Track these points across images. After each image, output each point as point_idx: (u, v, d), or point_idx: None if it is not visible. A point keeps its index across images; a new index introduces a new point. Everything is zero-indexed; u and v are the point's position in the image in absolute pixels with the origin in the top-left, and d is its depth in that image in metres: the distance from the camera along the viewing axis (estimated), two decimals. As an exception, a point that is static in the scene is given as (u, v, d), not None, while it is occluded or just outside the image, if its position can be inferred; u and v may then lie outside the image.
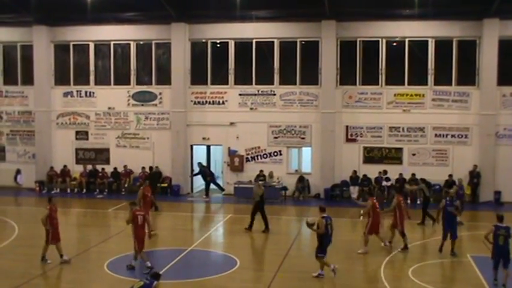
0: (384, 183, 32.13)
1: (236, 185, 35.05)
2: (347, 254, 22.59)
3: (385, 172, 33.33)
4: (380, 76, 35.04)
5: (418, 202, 31.85)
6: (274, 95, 35.99)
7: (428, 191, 29.27)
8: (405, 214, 23.48)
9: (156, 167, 36.64)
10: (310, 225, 19.94)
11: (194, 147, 37.61)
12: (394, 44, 35.17)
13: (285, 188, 35.18)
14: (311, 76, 35.62)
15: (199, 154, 38.50)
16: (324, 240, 19.42)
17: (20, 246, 23.00)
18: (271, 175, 35.19)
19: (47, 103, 38.22)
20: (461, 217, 27.28)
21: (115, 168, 37.20)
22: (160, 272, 15.50)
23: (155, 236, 24.46)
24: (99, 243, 24.06)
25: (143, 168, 36.80)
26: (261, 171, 35.25)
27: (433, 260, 21.22)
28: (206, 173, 36.28)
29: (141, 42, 37.52)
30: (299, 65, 35.77)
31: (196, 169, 36.68)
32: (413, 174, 33.24)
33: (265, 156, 36.29)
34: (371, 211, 22.93)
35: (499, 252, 18.21)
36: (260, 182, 27.96)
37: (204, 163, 38.10)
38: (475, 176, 33.70)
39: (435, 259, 21.38)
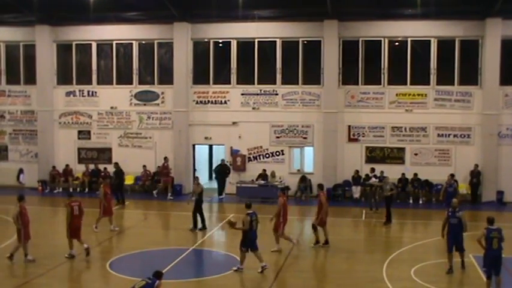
0: (373, 180, 32.00)
1: (238, 185, 35.05)
2: (349, 254, 22.62)
3: (373, 170, 33.19)
4: (382, 76, 35.05)
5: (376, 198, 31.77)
6: (277, 94, 36.00)
7: (394, 188, 29.08)
8: (287, 215, 23.35)
9: (116, 163, 36.44)
10: (232, 224, 20.45)
11: (196, 146, 37.66)
12: (397, 43, 35.18)
13: (287, 188, 35.14)
14: (313, 76, 35.64)
15: (202, 154, 38.50)
16: (248, 235, 19.73)
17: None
18: (273, 175, 35.18)
19: (49, 102, 38.27)
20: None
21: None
22: (163, 271, 15.50)
23: (114, 232, 25.92)
24: (101, 243, 24.07)
25: (144, 166, 36.81)
26: (264, 170, 35.31)
27: (435, 260, 21.18)
28: (226, 168, 36.29)
29: (144, 42, 37.56)
30: (301, 65, 35.79)
31: (201, 168, 36.69)
32: (381, 172, 33.07)
33: (267, 156, 36.29)
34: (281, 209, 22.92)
35: (492, 258, 17.20)
36: (198, 181, 27.92)
37: (206, 163, 38.19)
38: (475, 175, 33.65)
39: (437, 259, 21.34)
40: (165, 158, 35.85)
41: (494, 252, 17.21)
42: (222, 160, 36.37)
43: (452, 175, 30.26)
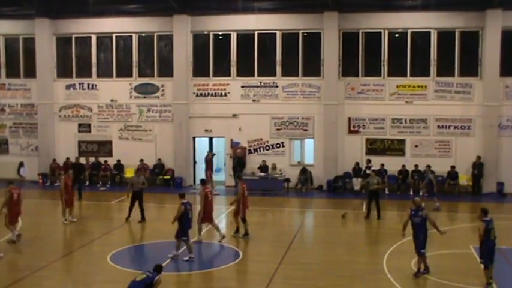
0: (368, 171, 31.99)
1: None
2: (350, 246, 22.66)
3: (369, 161, 33.23)
4: (382, 67, 35.03)
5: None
6: (277, 86, 35.98)
7: (380, 182, 28.79)
8: (248, 201, 24.10)
9: (54, 159, 36.54)
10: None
11: (197, 139, 37.64)
12: (397, 35, 35.15)
13: (287, 180, 35.19)
14: (313, 68, 35.62)
15: (202, 146, 38.51)
16: (185, 224, 20.39)
17: (23, 238, 23.01)
18: (274, 167, 35.18)
19: (49, 96, 38.27)
20: (437, 203, 28.76)
21: (118, 161, 37.27)
22: (163, 264, 15.49)
23: (72, 222, 26.32)
24: (102, 236, 24.10)
25: (141, 160, 36.81)
26: (264, 161, 35.37)
27: (435, 252, 21.19)
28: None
29: (143, 35, 37.53)
30: (301, 57, 35.76)
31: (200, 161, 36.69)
32: (382, 165, 33.65)
33: (267, 148, 36.29)
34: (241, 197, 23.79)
35: (491, 248, 17.38)
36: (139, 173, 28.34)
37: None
38: (476, 167, 33.66)
39: (437, 251, 21.36)
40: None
41: (492, 242, 17.46)
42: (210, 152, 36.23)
43: (428, 166, 30.81)
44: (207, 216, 23.18)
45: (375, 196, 27.59)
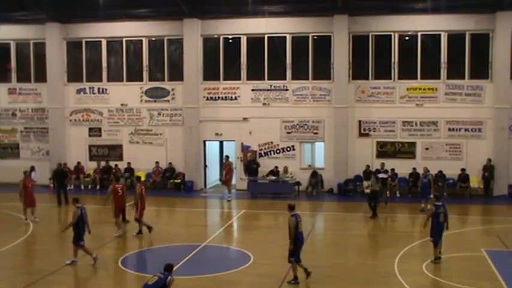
0: (381, 175, 31.96)
1: (249, 181, 35.13)
2: (361, 249, 22.65)
3: (383, 165, 33.08)
4: (393, 70, 34.96)
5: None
6: (287, 90, 35.97)
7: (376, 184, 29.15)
8: (146, 202, 25.14)
9: (65, 164, 36.26)
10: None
11: (207, 143, 37.64)
12: (407, 38, 35.07)
13: (298, 183, 35.17)
14: (323, 71, 35.57)
15: (212, 150, 38.55)
16: (80, 229, 20.30)
17: (35, 242, 23.14)
18: (285, 170, 35.18)
19: (60, 100, 38.38)
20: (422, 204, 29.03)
21: (128, 164, 37.34)
22: (175, 268, 15.48)
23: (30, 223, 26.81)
24: (112, 240, 24.13)
25: (157, 163, 36.95)
26: (276, 167, 35.32)
27: (447, 255, 21.14)
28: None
29: (153, 39, 37.60)
30: (311, 60, 35.74)
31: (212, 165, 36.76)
32: (392, 170, 33.48)
33: (278, 151, 36.27)
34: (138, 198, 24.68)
35: (440, 229, 20.23)
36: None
37: (217, 159, 38.27)
38: (487, 170, 33.52)
39: (449, 253, 21.31)
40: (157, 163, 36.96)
41: (442, 224, 20.33)
42: (227, 156, 36.05)
43: (425, 168, 30.68)
44: (117, 210, 24.67)
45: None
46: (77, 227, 20.28)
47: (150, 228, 24.58)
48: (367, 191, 33.73)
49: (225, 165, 34.52)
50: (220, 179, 34.01)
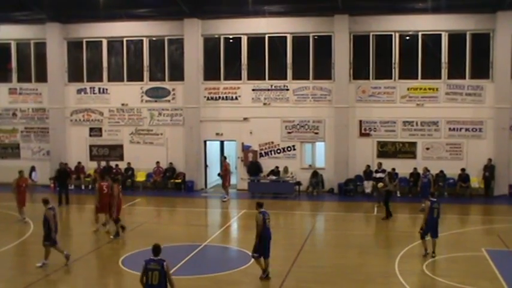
0: (379, 174, 31.95)
1: (249, 180, 35.14)
2: (361, 249, 22.60)
3: (380, 165, 33.03)
4: (393, 70, 34.96)
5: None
6: (288, 89, 35.97)
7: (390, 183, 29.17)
8: (121, 202, 25.53)
9: (66, 163, 36.12)
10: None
11: (208, 142, 37.65)
12: (407, 37, 35.07)
13: (298, 183, 35.17)
14: (324, 71, 35.57)
15: (213, 150, 38.56)
16: (51, 229, 20.13)
17: (35, 243, 23.06)
18: (286, 170, 35.18)
19: (60, 100, 38.40)
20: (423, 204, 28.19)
21: (128, 164, 37.36)
22: (175, 268, 15.42)
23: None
24: (113, 240, 24.13)
25: (157, 163, 36.98)
26: (277, 167, 35.31)
27: (447, 255, 21.17)
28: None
29: (154, 39, 37.61)
30: (312, 60, 35.74)
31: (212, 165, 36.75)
32: (393, 169, 33.19)
33: (278, 151, 36.26)
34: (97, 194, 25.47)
35: (434, 224, 21.07)
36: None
37: (218, 159, 38.23)
38: (488, 169, 33.50)
39: (450, 253, 21.33)
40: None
41: (435, 219, 21.12)
42: (224, 157, 35.94)
43: (426, 168, 30.58)
44: (102, 206, 25.17)
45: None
46: (47, 228, 20.11)
47: (123, 228, 24.74)
48: (368, 191, 33.90)
49: (224, 166, 34.46)
50: (219, 174, 33.98)
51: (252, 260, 19.02)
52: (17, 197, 27.75)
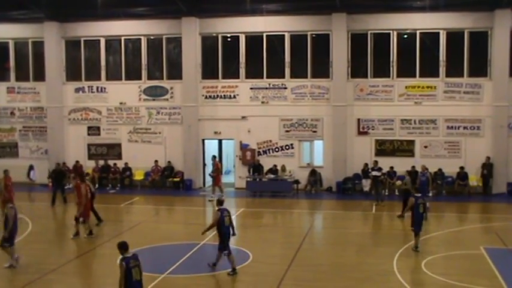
0: (375, 173, 31.94)
1: (248, 179, 35.12)
2: (360, 247, 22.61)
3: (376, 163, 33.00)
4: (391, 68, 34.96)
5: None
6: (286, 88, 35.96)
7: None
8: (89, 203, 25.11)
9: (64, 163, 36.51)
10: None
11: (206, 141, 37.65)
12: (405, 36, 35.07)
13: (297, 182, 35.17)
14: (322, 69, 35.58)
15: (211, 148, 38.55)
16: (13, 229, 19.95)
17: (34, 241, 23.10)
18: (283, 169, 35.17)
19: (58, 99, 38.37)
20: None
21: (126, 164, 37.37)
22: (173, 267, 15.40)
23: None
24: (112, 238, 24.09)
25: (156, 161, 36.97)
26: (275, 165, 35.31)
27: (446, 253, 21.18)
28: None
29: (152, 37, 37.59)
30: (310, 58, 35.74)
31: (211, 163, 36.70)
32: (391, 168, 33.54)
33: (277, 149, 36.26)
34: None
35: (420, 219, 21.57)
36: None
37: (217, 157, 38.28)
38: (486, 167, 33.51)
39: (448, 251, 21.34)
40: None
41: (421, 214, 21.64)
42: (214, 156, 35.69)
43: (424, 166, 30.62)
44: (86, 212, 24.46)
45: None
46: (11, 227, 19.83)
47: (91, 233, 24.39)
48: (366, 189, 33.89)
49: (215, 166, 34.29)
50: (210, 174, 33.83)
51: (250, 258, 19.02)
52: (5, 196, 27.41)
